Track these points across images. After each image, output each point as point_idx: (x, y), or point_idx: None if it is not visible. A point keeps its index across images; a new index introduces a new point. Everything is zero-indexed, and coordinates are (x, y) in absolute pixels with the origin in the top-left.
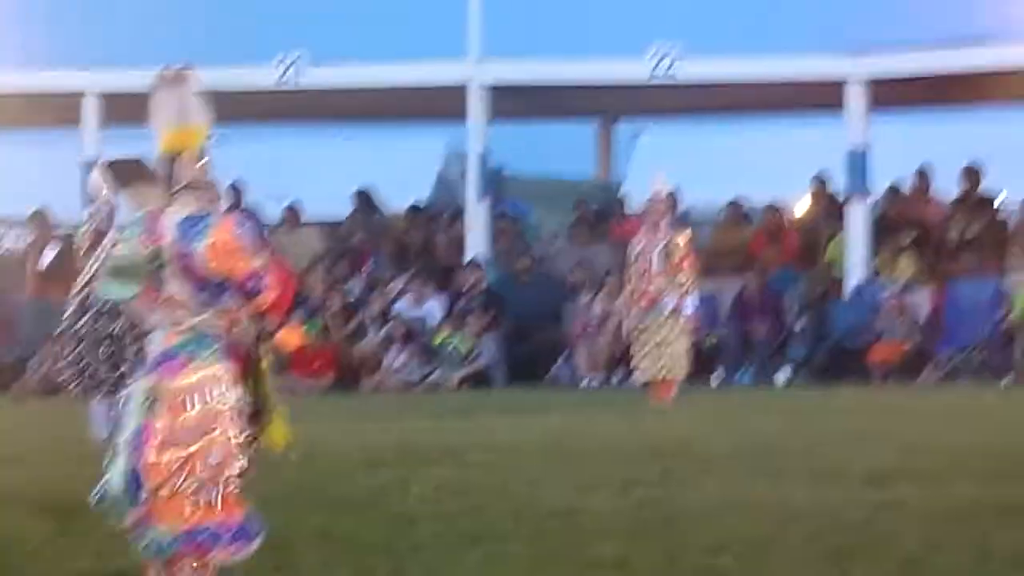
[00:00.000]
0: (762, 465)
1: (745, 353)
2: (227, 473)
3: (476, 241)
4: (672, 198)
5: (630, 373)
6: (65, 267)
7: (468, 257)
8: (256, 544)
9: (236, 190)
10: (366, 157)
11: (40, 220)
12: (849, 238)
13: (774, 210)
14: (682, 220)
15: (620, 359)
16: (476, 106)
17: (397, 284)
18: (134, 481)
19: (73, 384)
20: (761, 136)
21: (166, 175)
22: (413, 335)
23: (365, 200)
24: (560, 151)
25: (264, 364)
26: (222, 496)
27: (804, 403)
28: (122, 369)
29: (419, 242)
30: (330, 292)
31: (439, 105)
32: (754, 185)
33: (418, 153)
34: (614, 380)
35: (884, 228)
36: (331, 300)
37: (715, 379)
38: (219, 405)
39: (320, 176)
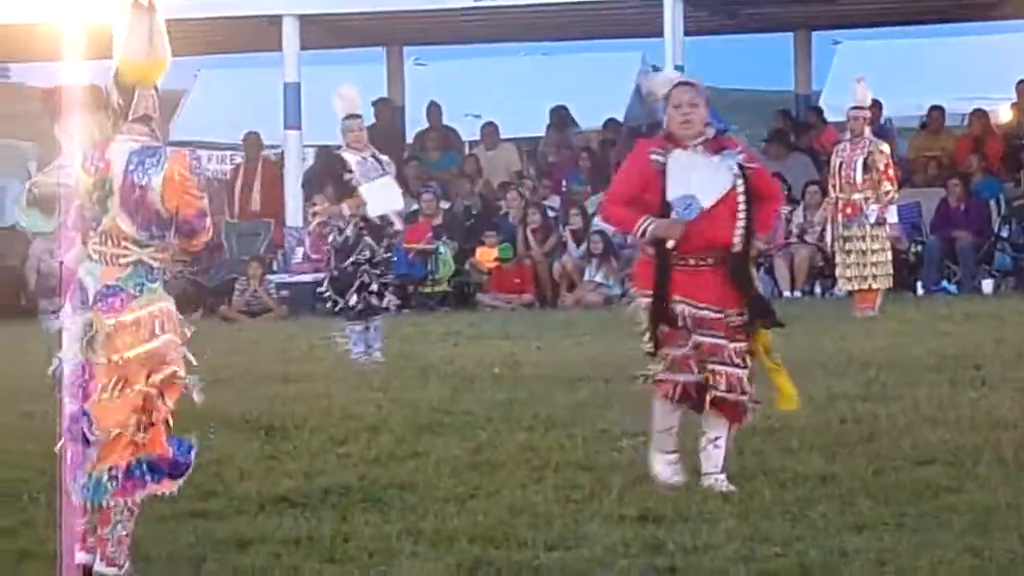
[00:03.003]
0: (968, 376)
1: (950, 262)
2: (167, 408)
3: None
4: (874, 107)
5: (833, 284)
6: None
7: None
8: (185, 476)
9: (435, 109)
10: (563, 73)
11: (252, 143)
12: None
13: (979, 115)
14: (883, 129)
15: (822, 270)
16: (672, 19)
17: (595, 200)
18: (80, 422)
19: (333, 304)
20: (962, 42)
21: (123, 105)
22: (612, 250)
23: (561, 116)
24: (757, 63)
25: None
26: (159, 431)
27: (1010, 312)
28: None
29: (616, 157)
30: (528, 208)
31: (635, 19)
32: (956, 92)
33: (615, 68)
34: (816, 291)
35: None
36: (530, 217)
37: (920, 289)
38: (164, 340)
39: (517, 94)
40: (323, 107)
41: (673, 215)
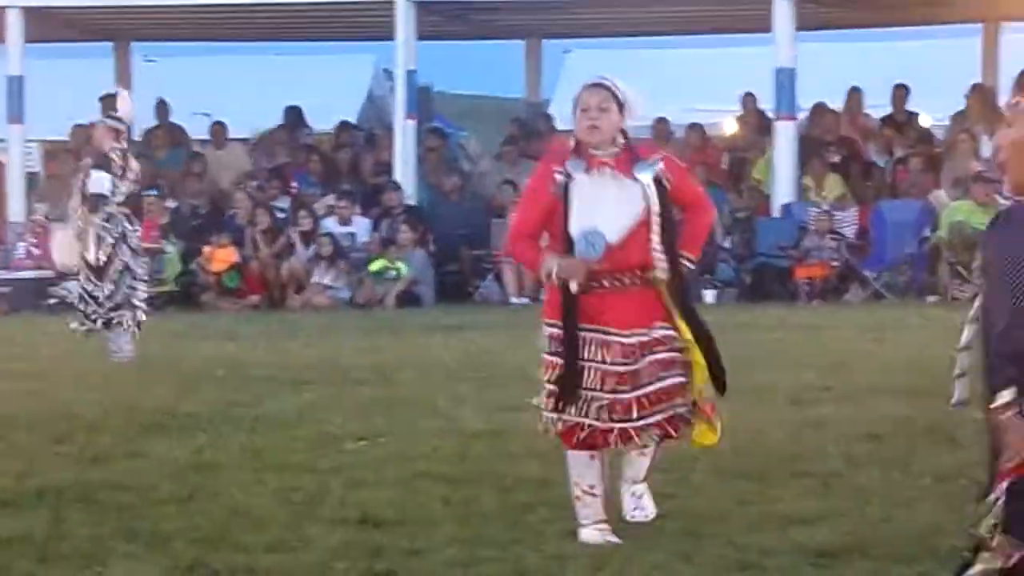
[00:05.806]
0: None
1: None
2: None
3: (404, 159)
4: None
5: None
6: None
7: (396, 175)
8: None
9: (163, 106)
10: (295, 74)
11: None
12: (777, 157)
13: (695, 129)
14: None
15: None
16: (404, 23)
17: (324, 202)
18: None
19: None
20: (689, 56)
21: None
22: (341, 253)
23: (293, 117)
24: (488, 69)
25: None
26: None
27: (730, 322)
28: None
29: (347, 160)
30: (257, 209)
31: (368, 22)
32: (682, 105)
33: (347, 71)
34: (542, 299)
35: (811, 147)
36: (258, 217)
37: None
38: None
39: (248, 93)
40: (48, 101)
41: (576, 254)
